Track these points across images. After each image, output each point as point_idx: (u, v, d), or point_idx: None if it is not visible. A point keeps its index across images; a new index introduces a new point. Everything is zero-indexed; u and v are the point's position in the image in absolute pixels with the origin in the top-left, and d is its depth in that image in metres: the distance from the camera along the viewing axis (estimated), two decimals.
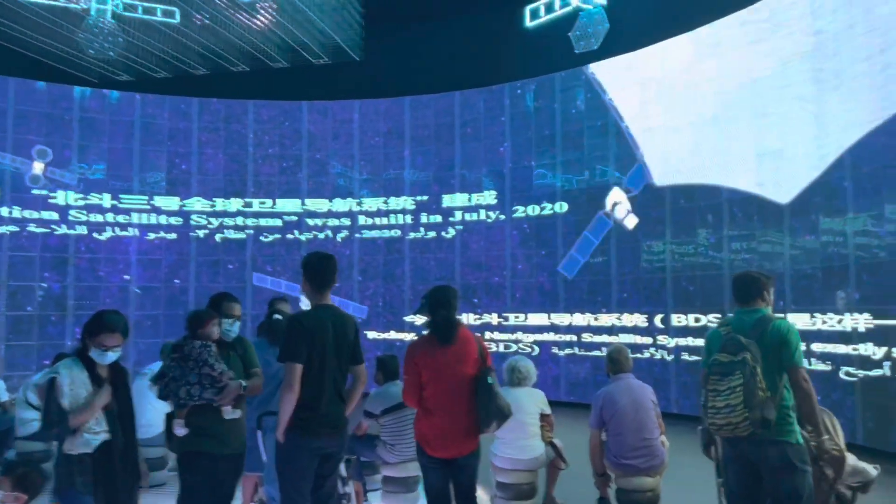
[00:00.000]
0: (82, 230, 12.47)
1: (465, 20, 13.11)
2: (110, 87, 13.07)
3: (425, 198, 13.37)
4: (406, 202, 13.48)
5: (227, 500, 4.14)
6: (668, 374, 10.41)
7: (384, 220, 13.55)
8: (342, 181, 13.75)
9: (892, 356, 7.45)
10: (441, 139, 13.39)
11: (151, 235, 12.93)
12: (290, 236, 13.52)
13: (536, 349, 12.05)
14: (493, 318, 12.61)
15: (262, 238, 13.44)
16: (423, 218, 13.34)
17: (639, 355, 10.44)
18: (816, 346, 8.28)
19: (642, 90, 11.04)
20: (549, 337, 12.00)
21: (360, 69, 13.61)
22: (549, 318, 12.02)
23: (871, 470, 3.96)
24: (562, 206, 12.01)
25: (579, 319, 11.66)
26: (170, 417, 4.05)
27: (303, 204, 13.60)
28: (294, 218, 13.57)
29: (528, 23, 12.11)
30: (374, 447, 5.27)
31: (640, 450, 4.78)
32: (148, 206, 12.95)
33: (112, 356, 3.69)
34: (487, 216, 12.84)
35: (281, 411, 3.70)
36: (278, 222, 13.54)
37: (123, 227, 12.76)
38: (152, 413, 5.73)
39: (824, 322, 8.27)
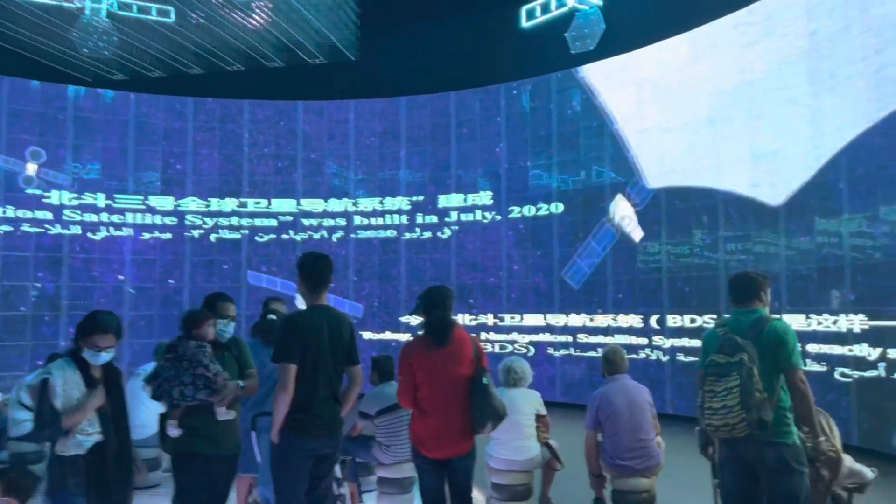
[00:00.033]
0: (76, 230, 12.41)
1: (461, 20, 13.10)
2: (105, 87, 13.02)
3: (421, 198, 13.35)
4: (402, 202, 13.46)
5: (221, 501, 4.12)
6: (664, 375, 10.41)
7: (380, 221, 13.53)
8: (338, 181, 13.73)
9: (886, 357, 7.47)
10: (437, 139, 13.38)
11: (146, 235, 12.88)
12: (285, 236, 13.49)
13: (532, 350, 12.04)
14: (489, 319, 12.60)
15: (257, 238, 13.41)
16: (419, 218, 13.32)
17: (634, 356, 10.44)
18: (812, 347, 8.28)
19: (638, 91, 11.05)
20: (545, 337, 11.99)
21: (355, 69, 13.59)
22: (545, 318, 12.02)
23: (868, 472, 3.96)
24: (558, 207, 12.01)
25: (575, 320, 11.66)
26: (163, 418, 4.02)
27: (298, 204, 13.57)
28: (289, 218, 13.54)
29: (525, 23, 12.10)
30: (369, 448, 5.26)
31: (636, 451, 4.77)
32: (142, 206, 12.90)
33: (105, 357, 3.66)
34: (483, 217, 12.83)
35: (275, 412, 3.69)
36: (273, 222, 13.50)
37: (118, 226, 12.71)
38: (146, 414, 5.69)
39: (819, 323, 8.28)
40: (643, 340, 10.73)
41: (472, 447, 4.01)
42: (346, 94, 13.79)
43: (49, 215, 12.21)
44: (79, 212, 12.45)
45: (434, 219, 13.22)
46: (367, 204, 13.59)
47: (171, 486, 4.10)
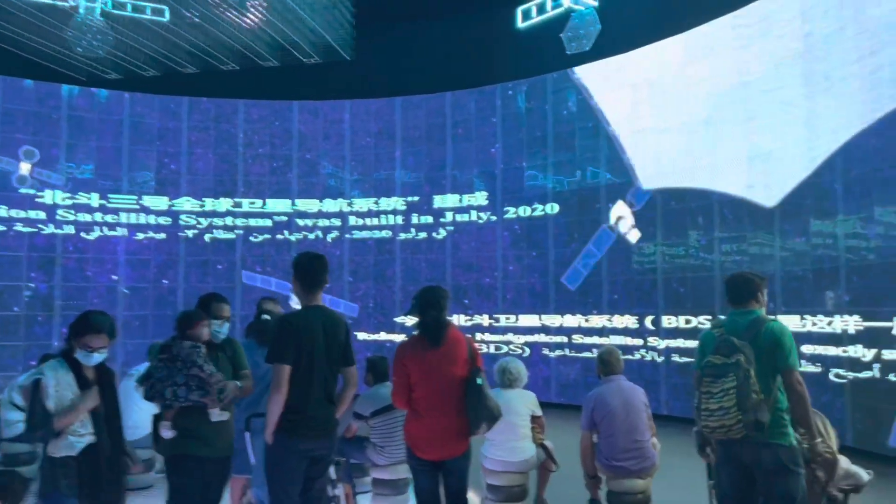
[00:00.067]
0: (70, 230, 12.36)
1: (456, 20, 13.09)
2: (99, 86, 12.97)
3: (416, 198, 13.34)
4: (397, 203, 13.44)
5: (214, 502, 4.09)
6: (659, 376, 10.42)
7: (375, 221, 13.51)
8: (333, 181, 13.70)
9: (881, 358, 7.48)
10: (432, 140, 13.37)
11: (140, 235, 12.83)
12: (279, 237, 13.45)
13: (527, 350, 12.04)
14: (484, 320, 12.59)
15: (251, 238, 13.37)
16: (414, 219, 13.31)
17: (629, 357, 10.43)
18: (806, 348, 8.29)
19: (633, 92, 11.05)
20: (540, 338, 11.99)
21: (351, 69, 13.57)
22: (540, 319, 12.01)
23: (864, 474, 3.96)
24: (553, 208, 12.01)
25: (570, 321, 11.65)
26: (157, 419, 4.00)
27: (293, 204, 13.54)
28: (284, 218, 13.50)
29: (520, 23, 12.08)
30: (363, 449, 5.23)
31: (632, 452, 4.76)
32: (137, 206, 12.85)
33: (98, 357, 3.64)
34: (478, 217, 12.82)
35: (269, 413, 3.66)
36: (268, 222, 13.46)
37: (112, 226, 12.66)
38: (139, 415, 5.66)
39: (814, 324, 8.30)
40: (638, 341, 10.73)
41: (466, 448, 3.99)
42: (342, 94, 13.77)
43: (42, 215, 12.15)
44: (72, 211, 12.39)
45: (429, 219, 13.21)
46: (363, 204, 13.57)
47: (164, 488, 4.08)
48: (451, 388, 3.90)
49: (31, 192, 12.08)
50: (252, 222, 13.40)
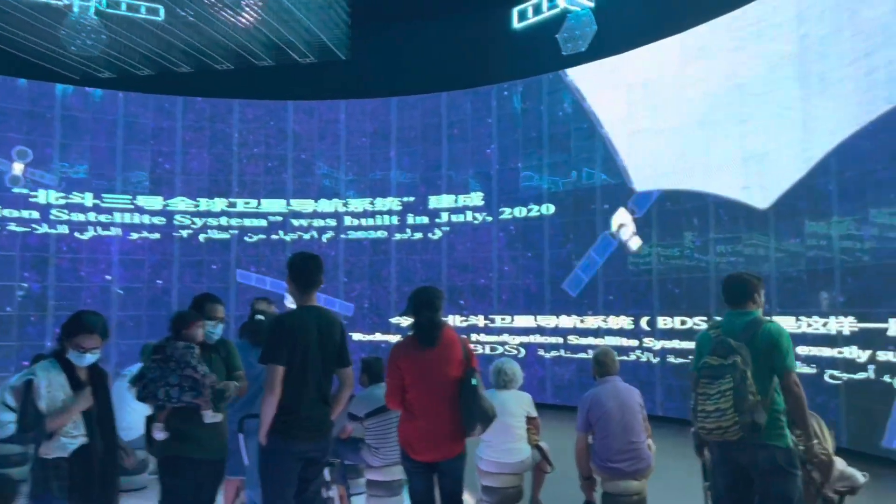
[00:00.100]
0: (63, 230, 12.29)
1: (452, 21, 13.07)
2: (93, 85, 12.91)
3: (412, 199, 13.31)
4: (392, 203, 13.42)
5: None
6: (654, 377, 10.41)
7: (370, 221, 13.48)
8: (328, 182, 13.67)
9: (876, 359, 7.49)
10: (428, 140, 13.35)
11: (134, 235, 12.78)
12: (274, 237, 13.41)
13: (522, 351, 12.02)
14: (480, 320, 12.57)
15: (246, 238, 13.32)
16: (410, 219, 13.28)
17: (625, 358, 10.44)
18: (801, 349, 8.29)
19: (629, 93, 11.05)
20: (536, 339, 11.98)
21: (346, 68, 13.54)
22: (536, 320, 12.00)
23: (860, 476, 3.95)
24: (548, 209, 12.00)
25: (565, 322, 11.64)
26: (150, 421, 3.97)
27: (288, 204, 13.50)
28: (279, 218, 13.46)
29: (516, 24, 12.08)
30: (358, 450, 5.21)
31: (627, 453, 4.75)
32: (131, 206, 12.79)
33: (90, 358, 3.60)
34: (474, 218, 12.80)
35: (262, 414, 3.64)
36: (263, 223, 13.42)
37: (105, 226, 12.60)
38: (132, 416, 5.61)
39: (809, 325, 8.31)
40: (634, 342, 10.73)
41: (462, 449, 3.97)
42: (337, 94, 13.73)
43: (36, 215, 12.09)
44: (66, 211, 12.34)
45: (425, 220, 13.19)
46: (358, 204, 13.54)
47: (157, 489, 4.05)
48: (445, 389, 3.88)
49: (25, 191, 12.02)
50: (247, 222, 13.35)
